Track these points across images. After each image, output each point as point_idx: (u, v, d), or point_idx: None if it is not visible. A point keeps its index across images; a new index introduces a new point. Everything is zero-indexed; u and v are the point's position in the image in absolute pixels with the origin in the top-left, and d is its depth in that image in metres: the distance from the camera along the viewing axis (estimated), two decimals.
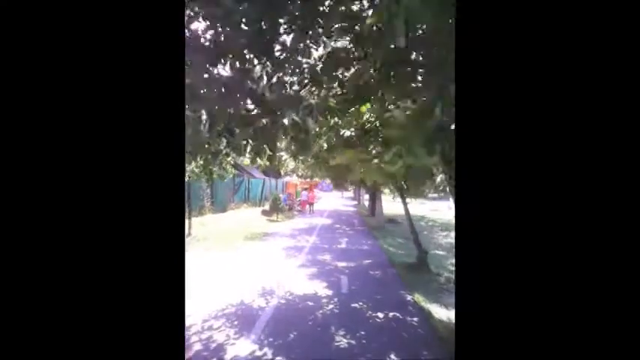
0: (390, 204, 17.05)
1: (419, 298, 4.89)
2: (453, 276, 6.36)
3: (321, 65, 2.46)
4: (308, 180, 16.44)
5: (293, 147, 2.68)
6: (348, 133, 4.44)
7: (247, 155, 2.75)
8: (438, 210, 20.50)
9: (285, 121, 1.89)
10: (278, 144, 2.90)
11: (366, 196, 22.83)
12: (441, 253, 8.64)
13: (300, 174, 13.42)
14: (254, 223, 12.41)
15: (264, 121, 2.12)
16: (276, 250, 8.11)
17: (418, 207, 22.25)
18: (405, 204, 7.63)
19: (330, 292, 5.14)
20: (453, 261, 7.92)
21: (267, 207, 15.52)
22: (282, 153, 8.57)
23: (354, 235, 10.98)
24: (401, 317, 4.28)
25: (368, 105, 2.62)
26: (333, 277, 5.97)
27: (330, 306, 4.62)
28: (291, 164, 10.80)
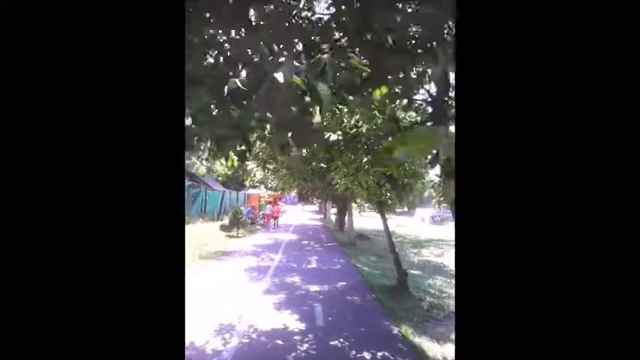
0: (357, 218, 16.48)
1: (407, 330, 4.19)
2: (435, 300, 5.79)
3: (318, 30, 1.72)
4: (276, 193, 15.40)
5: (291, 136, 1.62)
6: (334, 137, 3.66)
7: (204, 153, 1.90)
8: (404, 225, 20.29)
9: (280, 77, 1.02)
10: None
11: (333, 210, 22.24)
12: (416, 272, 8.11)
13: (269, 186, 12.35)
14: (211, 240, 11.11)
15: (236, 82, 1.21)
16: (237, 272, 7.07)
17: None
18: (384, 219, 7.00)
19: (303, 326, 4.28)
20: (430, 282, 7.38)
21: (226, 221, 14.29)
22: (249, 163, 7.58)
23: (323, 252, 10.15)
24: (392, 358, 3.53)
25: (384, 90, 1.88)
26: (306, 305, 5.11)
27: (305, 345, 3.77)
28: (258, 174, 9.82)
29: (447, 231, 19.08)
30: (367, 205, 18.17)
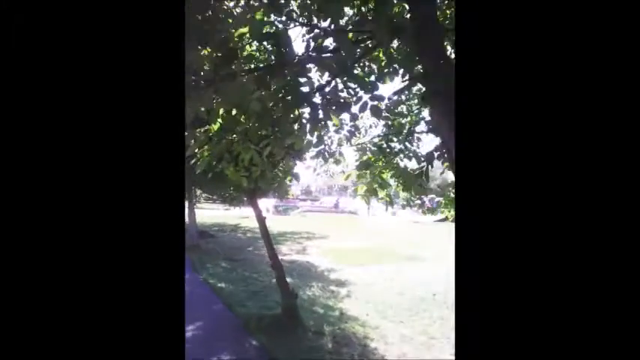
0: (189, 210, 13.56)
1: None
2: (336, 329, 4.24)
3: None
4: None
5: None
6: None
7: None
8: (248, 216, 18.46)
9: None
10: None
11: None
12: (288, 280, 6.44)
13: None
14: None
15: None
16: None
17: (224, 213, 19.56)
18: (258, 211, 4.94)
19: None
20: (309, 293, 5.89)
21: None
22: None
23: None
24: None
25: None
26: None
27: None
28: None
29: (296, 222, 18.50)
30: (205, 194, 15.23)
